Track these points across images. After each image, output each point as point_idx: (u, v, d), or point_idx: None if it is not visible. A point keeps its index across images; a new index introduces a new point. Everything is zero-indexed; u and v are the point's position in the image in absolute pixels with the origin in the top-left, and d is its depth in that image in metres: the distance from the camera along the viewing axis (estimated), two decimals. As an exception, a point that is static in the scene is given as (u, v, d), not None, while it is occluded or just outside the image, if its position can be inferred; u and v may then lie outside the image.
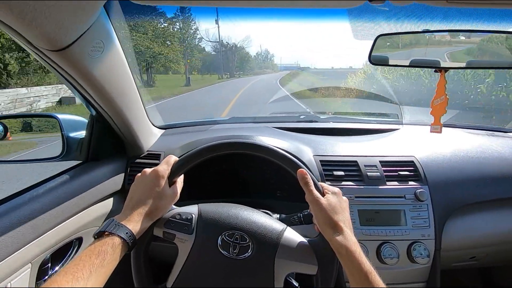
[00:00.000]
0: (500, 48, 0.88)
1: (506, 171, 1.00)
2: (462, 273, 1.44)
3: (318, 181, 0.61)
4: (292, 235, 0.60)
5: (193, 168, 0.63)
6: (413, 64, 0.76)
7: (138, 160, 1.02)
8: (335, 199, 0.59)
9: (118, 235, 0.49)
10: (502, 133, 1.29)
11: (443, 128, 1.31)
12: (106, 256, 0.46)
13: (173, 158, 0.62)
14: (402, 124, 1.34)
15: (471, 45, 0.85)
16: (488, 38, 0.90)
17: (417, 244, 0.85)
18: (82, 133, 0.92)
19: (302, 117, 1.41)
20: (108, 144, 0.96)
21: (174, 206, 0.63)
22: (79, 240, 0.82)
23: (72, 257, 0.78)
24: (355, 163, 0.98)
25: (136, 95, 0.91)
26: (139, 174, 0.60)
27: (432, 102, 0.77)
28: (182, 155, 0.63)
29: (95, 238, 0.49)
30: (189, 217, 0.60)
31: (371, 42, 0.76)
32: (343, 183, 0.94)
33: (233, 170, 1.10)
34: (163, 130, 1.24)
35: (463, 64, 0.81)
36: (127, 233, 0.50)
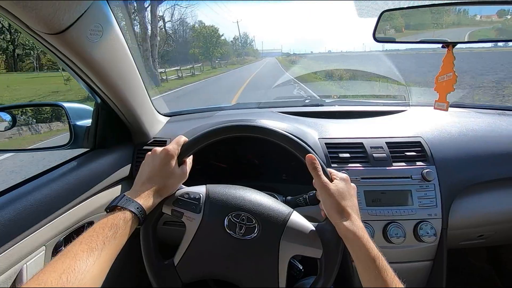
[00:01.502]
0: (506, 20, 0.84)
1: None
2: (470, 252, 1.44)
3: (325, 166, 0.61)
4: (298, 219, 0.60)
5: (202, 150, 0.64)
6: (420, 41, 0.74)
7: (145, 147, 1.03)
8: (343, 185, 0.59)
9: (129, 210, 0.50)
10: (511, 111, 1.25)
11: (451, 108, 1.29)
12: (118, 229, 0.47)
13: (183, 139, 0.63)
14: (409, 105, 1.31)
15: (478, 20, 0.82)
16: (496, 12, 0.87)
17: (424, 223, 0.85)
18: (88, 121, 0.93)
19: (307, 101, 1.40)
20: (114, 131, 0.97)
21: (182, 186, 0.63)
22: (91, 224, 0.84)
23: None
24: (360, 145, 0.97)
25: (139, 82, 0.91)
26: (149, 152, 0.61)
27: (437, 78, 0.74)
28: (192, 137, 0.63)
29: (107, 212, 0.51)
30: (197, 197, 0.61)
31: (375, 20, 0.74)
32: (349, 165, 0.94)
33: (240, 153, 1.11)
34: (169, 118, 1.25)
35: (473, 39, 0.78)
36: (138, 208, 0.51)
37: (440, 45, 0.75)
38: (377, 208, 0.88)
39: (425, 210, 0.87)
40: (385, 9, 0.77)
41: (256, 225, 0.58)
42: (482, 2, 0.77)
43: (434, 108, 0.82)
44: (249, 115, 1.27)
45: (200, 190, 0.62)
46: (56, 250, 0.72)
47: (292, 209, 0.62)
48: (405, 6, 0.76)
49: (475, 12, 0.85)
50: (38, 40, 0.58)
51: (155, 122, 1.11)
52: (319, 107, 1.32)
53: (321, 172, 0.59)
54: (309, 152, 0.60)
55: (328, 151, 0.96)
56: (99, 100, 0.87)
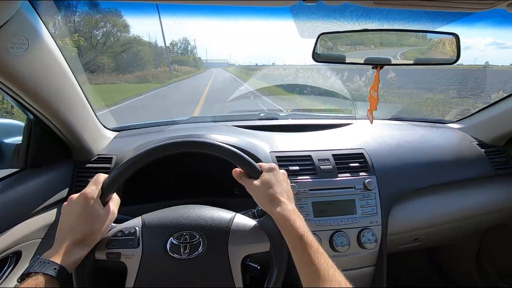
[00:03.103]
0: (433, 45, 0.96)
1: (442, 159, 1.10)
2: (408, 255, 1.56)
3: (256, 166, 0.64)
4: (242, 220, 0.61)
5: (146, 168, 0.62)
6: (352, 62, 0.81)
7: (88, 165, 0.97)
8: (269, 175, 0.62)
9: (43, 273, 0.46)
10: (441, 124, 1.41)
11: (391, 121, 1.41)
12: None
13: (102, 177, 0.60)
14: (355, 118, 1.41)
15: (405, 44, 0.92)
16: (421, 38, 0.98)
17: (366, 230, 0.91)
18: (19, 139, 0.85)
19: (262, 114, 1.43)
20: (50, 149, 0.89)
21: (114, 225, 0.60)
22: (17, 255, 0.75)
23: (8, 276, 0.71)
24: (309, 157, 1.01)
25: (78, 96, 0.86)
26: (65, 203, 0.57)
27: (370, 91, 0.83)
28: (112, 172, 0.61)
29: (18, 282, 0.46)
30: (132, 231, 0.58)
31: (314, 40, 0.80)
32: (299, 177, 0.97)
33: (190, 169, 1.09)
34: (116, 133, 1.19)
35: (401, 62, 0.87)
36: (55, 268, 0.47)
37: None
38: (324, 219, 0.91)
39: (367, 218, 0.93)
40: (323, 31, 0.83)
41: (200, 240, 0.57)
42: (409, 30, 0.87)
43: (366, 116, 0.90)
44: (202, 129, 1.26)
45: (135, 222, 0.60)
46: None
47: (234, 213, 0.62)
48: (341, 30, 0.83)
49: (403, 37, 0.96)
50: None
51: (100, 138, 1.05)
52: (273, 120, 1.36)
53: (245, 178, 0.63)
54: (238, 158, 0.63)
55: (279, 164, 0.99)
56: (31, 116, 0.81)
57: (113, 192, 0.60)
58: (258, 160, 0.92)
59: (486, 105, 1.27)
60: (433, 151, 1.13)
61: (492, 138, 1.22)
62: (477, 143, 1.22)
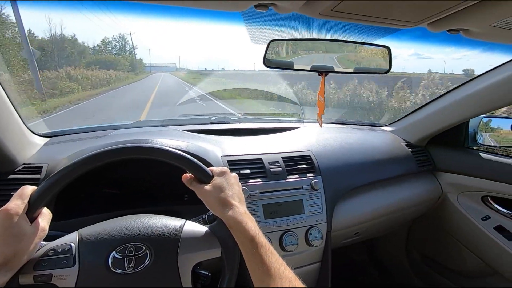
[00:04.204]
0: (369, 56, 1.07)
1: (378, 158, 1.23)
2: (350, 249, 1.70)
3: (206, 170, 0.63)
4: (192, 227, 0.59)
5: (87, 175, 0.56)
6: (300, 68, 0.86)
7: (11, 177, 0.84)
8: (220, 179, 0.61)
9: None
10: (377, 127, 1.57)
11: (335, 124, 1.52)
12: None
13: (29, 189, 0.53)
14: (303, 122, 1.48)
15: (347, 53, 1.01)
16: (361, 48, 1.09)
17: (313, 228, 0.96)
18: None
19: (213, 118, 1.41)
20: None
21: (44, 243, 0.53)
22: None
23: None
24: (260, 161, 1.03)
25: None
26: None
27: (318, 97, 0.88)
28: (41, 183, 0.54)
29: None
30: (67, 248, 0.52)
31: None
32: (250, 181, 0.98)
33: (135, 176, 1.02)
34: (47, 139, 1.05)
35: (343, 70, 0.95)
36: None
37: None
38: (274, 220, 0.94)
39: (313, 216, 0.98)
40: (273, 38, 0.86)
41: (147, 251, 0.54)
42: (349, 41, 0.96)
43: (316, 119, 0.96)
44: (150, 134, 1.19)
45: (70, 238, 0.54)
46: None
47: (184, 220, 0.60)
48: (290, 38, 0.87)
49: (345, 47, 1.05)
50: None
51: (26, 145, 0.92)
52: (224, 124, 1.35)
53: (195, 183, 0.62)
54: (187, 162, 0.61)
55: (230, 168, 0.98)
56: None
57: (43, 206, 0.53)
58: (209, 164, 0.90)
59: (412, 110, 1.45)
60: (370, 151, 1.25)
61: (417, 139, 1.40)
62: (405, 143, 1.39)
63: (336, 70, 0.90)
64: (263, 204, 0.95)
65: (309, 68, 0.84)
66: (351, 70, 0.91)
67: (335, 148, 1.19)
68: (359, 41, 1.03)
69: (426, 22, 0.61)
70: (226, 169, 0.64)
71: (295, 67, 0.84)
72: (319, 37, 0.99)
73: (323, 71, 0.86)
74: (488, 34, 0.62)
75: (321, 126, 0.89)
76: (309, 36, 0.94)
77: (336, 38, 0.95)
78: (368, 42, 1.02)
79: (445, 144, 1.39)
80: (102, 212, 0.82)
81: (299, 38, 0.92)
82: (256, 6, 0.56)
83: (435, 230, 1.46)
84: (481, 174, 1.24)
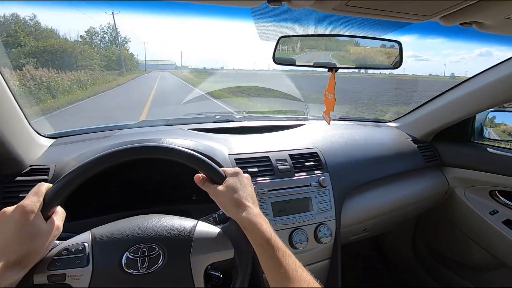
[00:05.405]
0: (379, 51, 1.06)
1: (384, 154, 1.22)
2: (358, 244, 1.70)
3: (220, 170, 0.62)
4: (205, 228, 0.59)
5: (95, 177, 0.55)
6: (313, 65, 0.85)
7: (18, 178, 0.83)
8: (233, 180, 0.61)
9: None
10: (382, 123, 1.56)
11: (340, 121, 1.51)
12: None
13: (45, 186, 0.52)
14: (308, 119, 1.48)
15: (357, 49, 1.00)
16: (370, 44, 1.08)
17: (322, 225, 0.96)
18: None
19: (217, 117, 1.41)
20: None
21: (57, 242, 0.53)
22: None
23: None
24: (267, 159, 1.03)
25: (5, 97, 0.73)
26: None
27: (325, 92, 0.87)
28: (57, 180, 0.53)
29: None
30: (80, 248, 0.52)
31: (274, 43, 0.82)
32: (258, 179, 0.97)
33: (144, 176, 1.01)
34: (53, 140, 1.05)
35: (353, 65, 0.94)
36: None
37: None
38: (283, 218, 0.94)
39: (322, 213, 0.98)
40: (283, 34, 0.85)
41: (160, 252, 0.54)
42: (359, 36, 0.95)
43: (322, 117, 0.95)
44: (156, 133, 1.19)
45: (83, 238, 0.53)
46: None
47: (197, 220, 0.60)
48: (300, 34, 0.86)
49: (357, 43, 1.04)
50: None
51: (33, 146, 0.91)
52: (229, 122, 1.34)
53: (208, 183, 0.61)
54: (200, 163, 0.61)
55: (238, 167, 0.98)
56: None
57: (58, 205, 0.53)
58: (217, 163, 0.90)
59: (417, 106, 1.44)
60: (376, 148, 1.24)
61: (422, 134, 1.39)
62: (411, 139, 1.38)
63: (346, 66, 0.89)
64: (271, 202, 0.94)
65: (318, 65, 0.83)
66: (362, 66, 0.90)
67: (342, 145, 1.19)
68: (369, 36, 1.02)
69: (439, 16, 0.60)
70: (238, 169, 0.64)
71: (304, 63, 0.83)
72: (327, 33, 0.98)
73: (333, 68, 0.85)
74: (502, 27, 0.62)
75: (329, 124, 0.88)
76: (317, 32, 0.93)
77: (345, 34, 0.94)
78: (378, 37, 1.01)
79: (451, 139, 1.38)
80: (111, 213, 0.82)
81: (308, 34, 0.91)
82: (269, 1, 0.55)
83: (443, 224, 1.46)
84: (488, 168, 1.23)
